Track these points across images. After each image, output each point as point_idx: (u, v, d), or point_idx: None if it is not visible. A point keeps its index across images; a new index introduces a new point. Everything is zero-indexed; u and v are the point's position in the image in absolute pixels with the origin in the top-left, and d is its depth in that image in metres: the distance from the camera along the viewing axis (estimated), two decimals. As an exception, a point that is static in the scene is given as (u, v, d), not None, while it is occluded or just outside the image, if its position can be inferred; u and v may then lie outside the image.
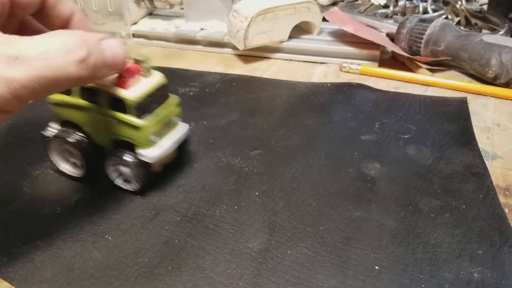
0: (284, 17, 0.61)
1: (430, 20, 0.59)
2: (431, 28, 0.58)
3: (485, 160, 0.41)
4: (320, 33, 0.66)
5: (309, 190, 0.37)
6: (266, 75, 0.59)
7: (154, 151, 0.36)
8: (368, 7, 0.77)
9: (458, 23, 0.71)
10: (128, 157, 0.36)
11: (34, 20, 0.36)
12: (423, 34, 0.58)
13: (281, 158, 0.41)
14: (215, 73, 0.59)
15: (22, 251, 0.32)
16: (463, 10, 0.69)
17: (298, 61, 0.63)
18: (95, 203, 0.36)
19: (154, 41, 0.70)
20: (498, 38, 0.55)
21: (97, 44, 0.29)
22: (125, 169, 0.37)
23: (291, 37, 0.64)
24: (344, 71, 0.59)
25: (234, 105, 0.51)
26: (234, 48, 0.64)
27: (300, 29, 0.66)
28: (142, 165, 0.36)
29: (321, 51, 0.62)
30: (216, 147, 0.43)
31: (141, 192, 0.37)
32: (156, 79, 0.36)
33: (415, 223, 0.34)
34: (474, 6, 0.73)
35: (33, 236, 0.33)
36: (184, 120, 0.39)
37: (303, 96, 0.53)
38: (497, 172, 0.40)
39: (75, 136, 0.37)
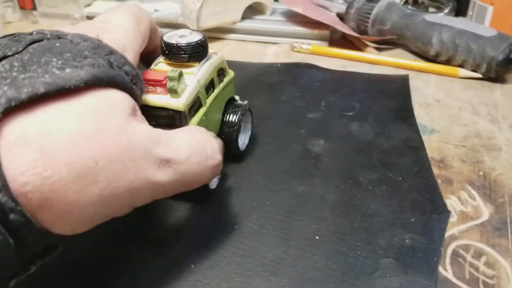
0: (236, -1, 0.62)
1: (376, 0, 0.61)
2: (377, 8, 0.60)
3: (423, 135, 0.43)
4: (272, 13, 0.67)
5: (256, 168, 0.39)
6: (219, 56, 0.60)
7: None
8: (319, -13, 0.79)
9: (406, 2, 0.73)
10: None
11: None
12: (370, 13, 0.61)
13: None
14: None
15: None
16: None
17: (251, 41, 0.65)
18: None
19: None
20: (439, 17, 0.57)
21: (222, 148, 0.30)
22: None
23: (244, 17, 0.65)
24: (295, 51, 0.61)
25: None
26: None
27: (253, 10, 0.67)
28: None
29: (273, 31, 0.64)
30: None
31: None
32: None
33: (354, 195, 0.36)
34: (421, -15, 0.75)
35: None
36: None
37: (253, 76, 0.54)
38: (433, 146, 0.42)
39: None
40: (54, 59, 0.23)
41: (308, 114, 0.47)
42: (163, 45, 0.33)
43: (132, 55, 0.28)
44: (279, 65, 0.57)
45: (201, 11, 0.59)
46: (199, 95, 0.33)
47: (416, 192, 0.37)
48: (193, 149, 0.27)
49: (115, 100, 0.24)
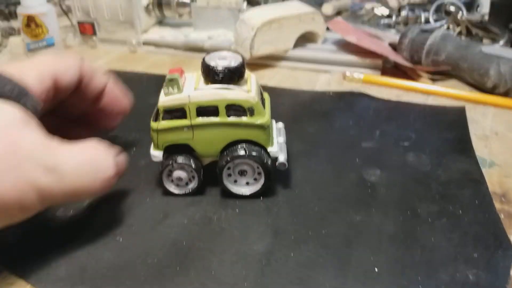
0: (289, 27, 0.63)
1: (431, 31, 0.61)
2: (431, 39, 0.60)
3: (482, 168, 0.42)
4: (324, 42, 0.68)
5: (311, 195, 0.39)
6: (271, 83, 0.61)
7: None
8: (371, 17, 0.79)
9: (459, 33, 0.72)
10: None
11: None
12: (424, 44, 0.60)
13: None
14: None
15: (38, 251, 0.33)
16: (464, 21, 0.71)
17: (303, 69, 0.65)
18: (106, 207, 0.38)
19: (164, 49, 0.72)
20: (497, 49, 0.56)
21: (122, 163, 0.33)
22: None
23: (296, 45, 0.65)
24: (347, 80, 0.61)
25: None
26: (240, 56, 0.66)
27: (305, 38, 0.67)
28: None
29: (324, 59, 0.64)
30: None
31: (150, 196, 0.39)
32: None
33: (413, 227, 0.35)
34: (475, 17, 0.74)
35: (48, 237, 0.35)
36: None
37: (306, 104, 0.55)
38: (494, 180, 0.41)
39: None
40: None
41: (363, 143, 0.46)
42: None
43: (31, 80, 0.32)
44: (331, 93, 0.57)
45: (254, 39, 0.60)
46: (183, 107, 0.36)
47: (478, 226, 0.35)
48: (83, 160, 0.30)
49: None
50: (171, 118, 0.37)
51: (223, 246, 0.34)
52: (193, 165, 0.38)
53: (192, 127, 0.37)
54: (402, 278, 0.31)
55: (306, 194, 0.39)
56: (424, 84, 0.58)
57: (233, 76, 0.36)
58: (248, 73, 0.39)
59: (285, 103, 0.55)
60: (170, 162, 0.38)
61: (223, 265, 0.32)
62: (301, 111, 0.53)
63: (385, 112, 0.52)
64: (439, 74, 0.61)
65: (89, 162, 0.30)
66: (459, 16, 0.72)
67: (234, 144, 0.38)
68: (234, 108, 0.36)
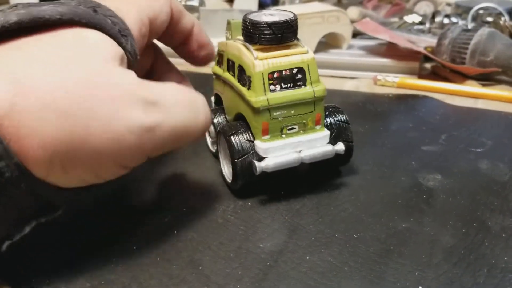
0: (310, 27, 0.54)
1: (475, 29, 0.52)
2: (477, 37, 0.50)
3: None
4: (349, 48, 0.59)
5: (346, 196, 0.31)
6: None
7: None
8: (401, 25, 0.70)
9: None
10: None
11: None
12: (468, 43, 0.51)
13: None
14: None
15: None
16: (507, 26, 0.61)
17: (325, 76, 0.56)
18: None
19: (170, 59, 0.66)
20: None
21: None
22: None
23: (317, 51, 0.57)
24: (379, 84, 0.52)
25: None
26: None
27: (327, 46, 0.59)
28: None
29: (352, 64, 0.55)
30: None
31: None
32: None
33: (479, 241, 0.26)
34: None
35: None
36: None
37: (358, 104, 0.46)
38: None
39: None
40: (35, 3, 0.23)
41: (423, 146, 0.37)
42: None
43: (130, 22, 0.26)
44: (390, 95, 0.49)
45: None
46: (222, 54, 0.33)
47: None
48: (185, 97, 0.25)
49: (96, 40, 0.23)
50: (218, 64, 0.34)
51: (222, 239, 0.26)
52: (215, 120, 0.34)
53: (222, 79, 0.33)
54: (458, 303, 0.22)
55: (340, 193, 0.31)
56: (472, 87, 0.49)
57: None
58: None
59: (333, 102, 0.47)
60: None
61: (216, 261, 0.25)
62: (351, 110, 0.44)
63: (455, 118, 0.43)
64: (485, 79, 0.52)
65: (191, 99, 0.25)
66: (501, 21, 0.62)
67: (240, 118, 0.31)
68: (244, 74, 0.29)
